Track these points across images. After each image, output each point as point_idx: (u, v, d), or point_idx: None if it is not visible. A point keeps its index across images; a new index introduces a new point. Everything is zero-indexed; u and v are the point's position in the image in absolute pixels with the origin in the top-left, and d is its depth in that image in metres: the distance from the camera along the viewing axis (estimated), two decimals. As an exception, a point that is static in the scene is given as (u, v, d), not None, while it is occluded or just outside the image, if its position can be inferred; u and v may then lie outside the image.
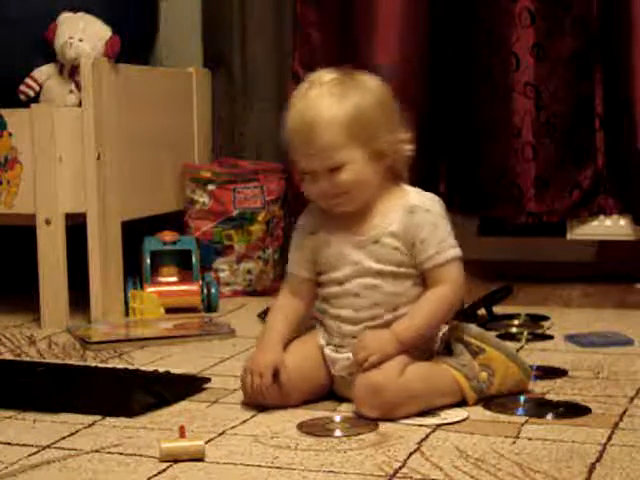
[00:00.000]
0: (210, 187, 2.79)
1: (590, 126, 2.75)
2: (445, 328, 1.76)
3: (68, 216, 2.44)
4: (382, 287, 1.71)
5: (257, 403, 1.71)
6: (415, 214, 1.70)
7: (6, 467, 1.44)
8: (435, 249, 1.69)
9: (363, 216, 1.73)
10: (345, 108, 1.66)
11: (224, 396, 1.79)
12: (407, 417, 1.63)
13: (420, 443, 1.52)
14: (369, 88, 1.71)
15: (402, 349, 1.67)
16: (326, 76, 1.70)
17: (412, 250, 1.70)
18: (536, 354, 2.06)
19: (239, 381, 1.75)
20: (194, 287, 2.60)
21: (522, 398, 1.73)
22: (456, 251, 1.71)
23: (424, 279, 1.72)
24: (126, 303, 2.53)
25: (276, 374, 1.69)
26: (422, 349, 1.73)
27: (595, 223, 2.79)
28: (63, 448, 1.53)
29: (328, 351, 1.75)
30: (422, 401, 1.65)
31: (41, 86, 2.56)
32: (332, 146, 1.66)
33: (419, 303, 1.71)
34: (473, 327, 1.77)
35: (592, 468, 1.39)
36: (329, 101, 1.67)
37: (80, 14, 2.57)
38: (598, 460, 1.43)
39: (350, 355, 1.71)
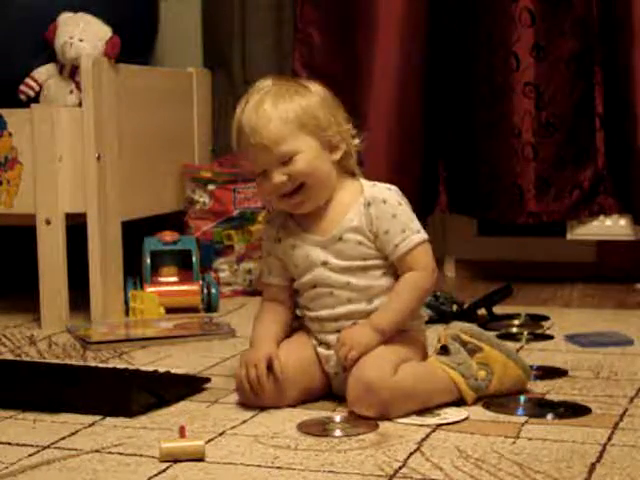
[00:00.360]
0: (210, 187, 2.79)
1: (590, 126, 2.75)
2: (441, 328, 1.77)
3: (68, 216, 2.44)
4: (353, 283, 1.72)
5: (253, 402, 1.71)
6: (372, 206, 1.72)
7: (6, 467, 1.44)
8: (399, 238, 1.71)
9: (322, 215, 1.74)
10: (290, 104, 1.70)
11: (224, 396, 1.79)
12: (403, 416, 1.63)
13: (420, 443, 1.52)
14: (309, 89, 1.74)
15: (382, 339, 1.68)
16: (265, 83, 1.75)
17: (376, 242, 1.72)
18: (536, 354, 2.06)
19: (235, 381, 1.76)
20: (194, 287, 2.60)
21: (522, 398, 1.73)
22: (421, 235, 1.73)
23: (395, 268, 1.73)
24: (126, 303, 2.53)
25: (270, 367, 1.70)
26: (414, 347, 1.73)
27: (595, 223, 2.79)
28: (63, 448, 1.53)
29: (320, 349, 1.76)
30: (417, 399, 1.65)
31: (41, 86, 2.57)
32: (280, 136, 1.68)
33: (393, 291, 1.72)
34: (471, 326, 1.78)
35: (592, 468, 1.39)
36: (273, 100, 1.71)
37: (80, 14, 2.57)
38: (598, 460, 1.43)
39: None
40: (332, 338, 1.73)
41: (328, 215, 1.74)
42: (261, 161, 1.71)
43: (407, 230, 1.71)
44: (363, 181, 1.77)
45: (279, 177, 1.70)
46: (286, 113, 1.69)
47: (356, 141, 1.76)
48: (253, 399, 1.71)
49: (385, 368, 1.64)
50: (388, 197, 1.73)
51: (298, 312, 1.82)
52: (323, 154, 1.72)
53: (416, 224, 1.73)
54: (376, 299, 1.73)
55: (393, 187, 1.75)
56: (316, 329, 1.77)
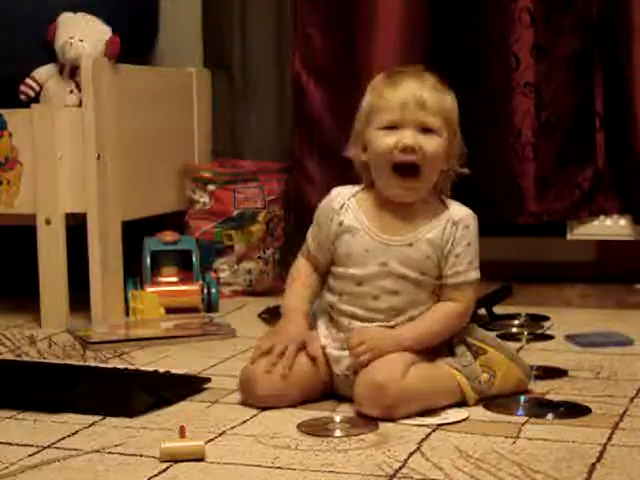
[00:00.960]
0: (210, 187, 2.79)
1: (590, 126, 2.75)
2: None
3: (68, 216, 2.44)
4: (402, 293, 1.71)
5: (256, 401, 1.71)
6: (457, 227, 1.71)
7: (6, 467, 1.44)
8: (463, 267, 1.71)
9: (399, 217, 1.71)
10: (447, 97, 1.71)
11: (224, 396, 1.79)
12: (407, 417, 1.63)
13: (420, 443, 1.52)
14: (452, 94, 1.74)
15: (400, 351, 1.67)
16: (417, 68, 1.74)
17: (441, 261, 1.71)
18: (536, 354, 2.06)
19: (238, 380, 1.76)
20: (194, 287, 2.60)
21: (522, 398, 1.73)
22: (478, 273, 1.73)
23: (440, 289, 1.72)
24: (126, 303, 2.53)
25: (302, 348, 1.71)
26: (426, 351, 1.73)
27: (595, 223, 2.79)
28: (63, 448, 1.53)
29: (331, 350, 1.75)
30: (423, 401, 1.65)
31: (41, 86, 2.56)
32: (441, 110, 1.68)
33: (431, 312, 1.71)
34: (476, 328, 1.77)
35: (592, 468, 1.39)
36: (436, 83, 1.70)
37: (80, 14, 2.57)
38: (598, 460, 1.43)
39: None
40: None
41: (405, 219, 1.71)
42: (407, 114, 1.66)
43: (472, 263, 1.72)
44: (449, 200, 1.75)
45: (411, 137, 1.66)
46: (449, 101, 1.70)
47: (460, 164, 1.75)
48: (254, 396, 1.70)
49: (395, 370, 1.64)
50: (472, 224, 1.73)
51: (324, 298, 1.78)
52: (444, 155, 1.71)
53: (478, 261, 1.73)
54: (413, 313, 1.72)
55: (475, 215, 1.75)
56: (342, 324, 1.74)
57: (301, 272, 1.80)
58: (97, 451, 1.51)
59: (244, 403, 1.73)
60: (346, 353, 1.72)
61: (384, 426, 1.60)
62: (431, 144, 1.67)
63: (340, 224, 1.73)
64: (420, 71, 1.73)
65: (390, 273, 1.70)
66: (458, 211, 1.73)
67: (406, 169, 1.67)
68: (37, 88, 2.56)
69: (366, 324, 1.72)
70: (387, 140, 1.67)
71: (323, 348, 1.75)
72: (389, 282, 1.70)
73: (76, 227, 2.46)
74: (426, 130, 1.67)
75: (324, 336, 1.76)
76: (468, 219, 1.73)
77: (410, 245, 1.70)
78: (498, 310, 2.40)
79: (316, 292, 1.79)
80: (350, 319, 1.73)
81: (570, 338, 2.19)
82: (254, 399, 1.71)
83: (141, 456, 1.48)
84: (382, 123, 1.68)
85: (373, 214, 1.73)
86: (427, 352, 1.73)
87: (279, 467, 1.43)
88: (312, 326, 1.78)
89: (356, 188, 1.76)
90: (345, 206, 1.74)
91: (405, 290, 1.70)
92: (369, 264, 1.71)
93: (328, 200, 1.76)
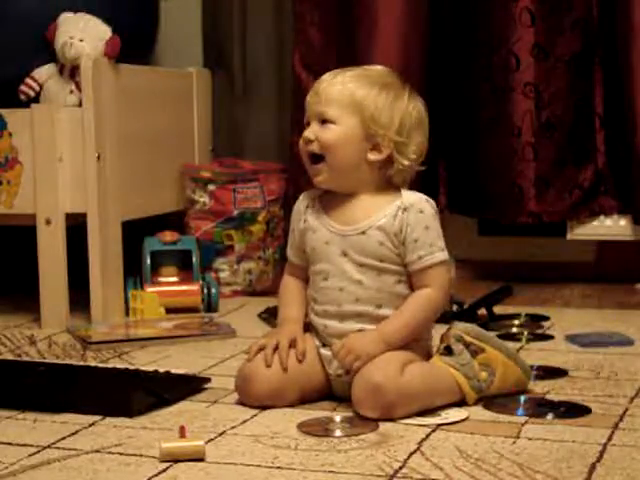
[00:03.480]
0: (210, 187, 2.79)
1: (590, 126, 2.75)
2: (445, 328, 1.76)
3: (68, 216, 2.44)
4: (364, 282, 1.72)
5: (252, 400, 1.71)
6: (408, 213, 1.72)
7: (6, 467, 1.44)
8: (425, 251, 1.71)
9: (351, 208, 1.75)
10: (367, 89, 1.72)
11: (224, 396, 1.79)
12: (407, 417, 1.63)
13: (420, 443, 1.52)
14: (405, 93, 1.76)
15: (386, 349, 1.68)
16: (376, 67, 1.82)
17: (400, 248, 1.71)
18: (536, 354, 2.06)
19: (235, 379, 1.76)
20: (194, 287, 2.60)
21: (522, 398, 1.73)
22: (444, 254, 1.73)
23: (409, 278, 1.73)
24: (126, 303, 2.53)
25: (292, 346, 1.74)
26: (419, 349, 1.73)
27: (595, 223, 2.79)
28: (63, 448, 1.53)
29: (324, 351, 1.76)
30: (422, 401, 1.65)
31: (41, 86, 2.57)
32: (335, 100, 1.71)
33: (406, 304, 1.72)
34: (473, 327, 1.77)
35: (592, 468, 1.39)
36: (357, 76, 1.74)
37: (80, 14, 2.57)
38: (598, 460, 1.43)
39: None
40: (334, 342, 1.72)
41: (357, 209, 1.74)
42: (311, 110, 1.74)
43: (434, 246, 1.71)
44: (404, 190, 1.76)
45: (309, 131, 1.73)
46: (355, 90, 1.72)
47: (414, 159, 1.75)
48: (254, 396, 1.71)
49: (392, 370, 1.64)
50: (425, 208, 1.73)
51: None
52: (359, 144, 1.72)
53: (442, 242, 1.73)
54: (385, 306, 1.72)
55: (431, 200, 1.75)
56: (320, 327, 1.76)
57: (288, 288, 1.84)
58: (97, 451, 1.51)
59: (241, 402, 1.73)
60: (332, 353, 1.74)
61: (384, 426, 1.60)
62: (327, 133, 1.72)
63: (305, 222, 1.78)
64: (357, 68, 1.78)
65: (350, 262, 1.72)
66: (409, 197, 1.74)
67: (313, 159, 1.74)
68: (37, 88, 2.56)
69: (339, 323, 1.73)
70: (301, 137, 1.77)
71: (317, 348, 1.76)
72: (352, 271, 1.72)
73: (76, 227, 2.46)
74: (325, 121, 1.72)
75: (316, 338, 1.77)
76: (420, 203, 1.73)
77: (363, 233, 1.72)
78: (498, 310, 2.41)
79: (306, 303, 1.82)
80: (324, 319, 1.75)
81: (570, 338, 2.19)
82: (250, 398, 1.72)
83: (141, 456, 1.49)
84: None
85: (331, 209, 1.77)
86: (423, 351, 1.74)
87: (279, 467, 1.43)
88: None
89: (320, 189, 1.80)
90: (309, 206, 1.79)
91: (368, 278, 1.72)
92: (331, 255, 1.74)
93: (297, 203, 1.83)
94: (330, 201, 1.77)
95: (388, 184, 1.76)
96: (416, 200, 1.73)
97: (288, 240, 1.85)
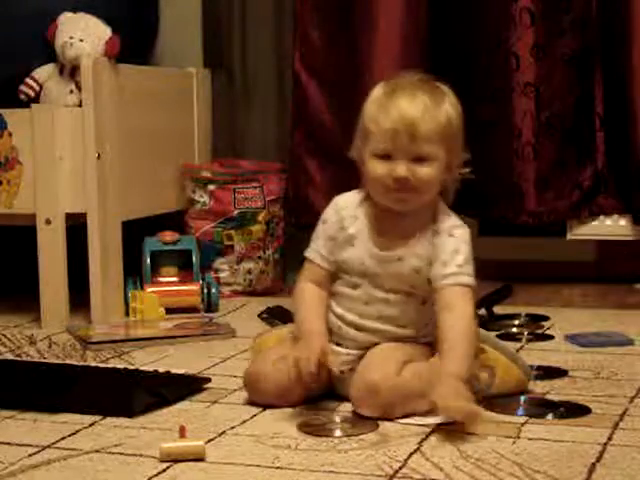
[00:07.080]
0: (210, 187, 2.79)
1: (590, 126, 2.75)
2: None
3: (68, 216, 2.44)
4: (392, 303, 1.72)
5: (260, 398, 1.71)
6: (439, 237, 1.70)
7: (6, 467, 1.44)
8: (452, 270, 1.69)
9: (394, 229, 1.72)
10: (443, 111, 1.68)
11: (224, 396, 1.79)
12: (406, 416, 1.63)
13: (420, 443, 1.52)
14: (453, 101, 1.72)
15: (464, 381, 1.61)
16: (413, 78, 1.71)
17: (430, 269, 1.70)
18: (536, 354, 2.06)
19: (242, 381, 1.77)
20: (194, 287, 2.60)
21: (522, 398, 1.73)
22: (471, 280, 1.70)
23: (433, 294, 1.70)
24: (126, 303, 2.53)
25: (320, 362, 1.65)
26: (421, 348, 1.73)
27: (595, 223, 2.79)
28: (63, 448, 1.53)
29: (334, 346, 1.74)
30: (420, 399, 1.65)
31: (41, 86, 2.56)
32: (429, 137, 1.65)
33: (451, 335, 1.65)
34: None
35: (592, 468, 1.39)
36: (430, 96, 1.67)
37: (80, 14, 2.57)
38: (598, 460, 1.43)
39: (350, 350, 1.72)
40: (346, 343, 1.73)
41: (398, 232, 1.71)
42: (398, 145, 1.65)
43: (462, 269, 1.69)
44: (441, 207, 1.74)
45: (403, 169, 1.65)
46: (445, 115, 1.67)
47: (463, 170, 1.74)
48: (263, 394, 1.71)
49: (390, 368, 1.64)
50: (457, 233, 1.71)
51: None
52: (444, 171, 1.70)
53: (471, 269, 1.70)
54: (407, 327, 1.72)
55: (465, 226, 1.74)
56: (333, 324, 1.74)
57: (312, 298, 1.76)
58: (97, 451, 1.51)
59: (249, 400, 1.73)
60: (341, 350, 1.73)
61: (384, 426, 1.60)
62: (425, 171, 1.67)
63: (345, 231, 1.74)
64: (415, 83, 1.70)
65: (382, 284, 1.71)
66: (444, 221, 1.72)
67: (401, 185, 1.67)
68: (37, 88, 2.56)
69: (356, 332, 1.72)
70: (380, 169, 1.67)
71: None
72: (380, 292, 1.72)
73: (76, 227, 2.46)
74: (420, 159, 1.66)
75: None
76: (452, 229, 1.72)
77: (399, 260, 1.71)
78: (498, 310, 2.40)
79: (326, 306, 1.77)
80: (340, 322, 1.74)
81: (570, 338, 2.19)
82: (259, 396, 1.72)
83: (141, 456, 1.49)
84: (375, 151, 1.68)
85: (373, 225, 1.73)
86: (423, 350, 1.74)
87: (279, 467, 1.43)
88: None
89: (359, 195, 1.76)
90: (353, 216, 1.74)
91: (395, 300, 1.72)
92: (364, 272, 1.72)
93: (337, 208, 1.76)
94: (372, 215, 1.73)
95: (431, 199, 1.73)
96: (450, 225, 1.72)
97: (315, 243, 1.78)
